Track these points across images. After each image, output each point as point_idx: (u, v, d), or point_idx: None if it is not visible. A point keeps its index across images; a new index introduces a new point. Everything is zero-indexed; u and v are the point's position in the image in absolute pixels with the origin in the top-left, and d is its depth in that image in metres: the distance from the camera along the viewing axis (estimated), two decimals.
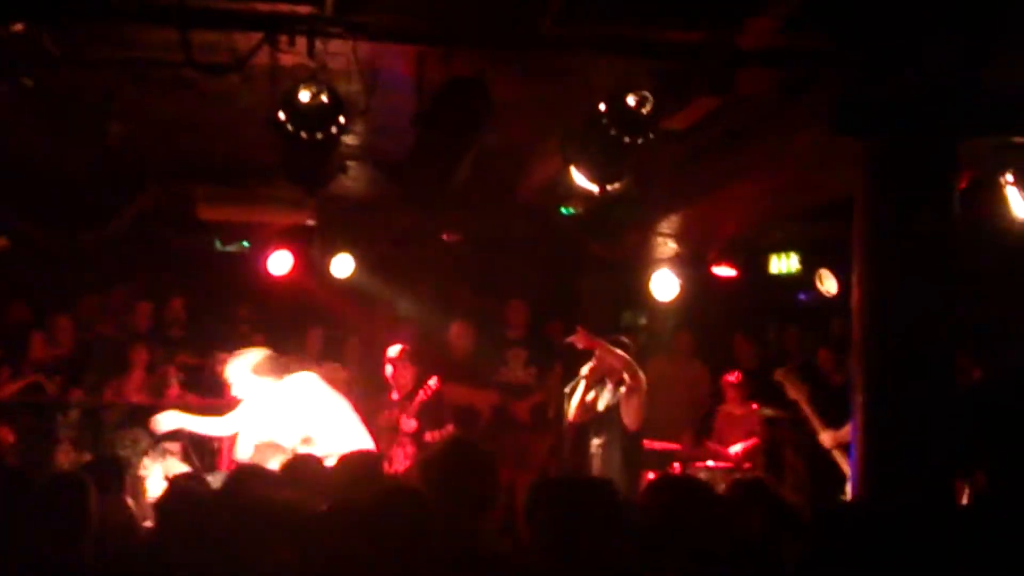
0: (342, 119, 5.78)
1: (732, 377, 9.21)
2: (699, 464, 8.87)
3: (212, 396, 9.55)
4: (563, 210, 8.69)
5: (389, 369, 8.82)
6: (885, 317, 5.95)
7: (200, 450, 9.17)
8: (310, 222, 9.18)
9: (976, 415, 6.16)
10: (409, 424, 8.54)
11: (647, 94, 5.73)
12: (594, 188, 6.15)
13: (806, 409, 8.01)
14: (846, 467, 7.11)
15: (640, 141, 5.76)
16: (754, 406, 9.08)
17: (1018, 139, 6.23)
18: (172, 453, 8.55)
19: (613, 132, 5.73)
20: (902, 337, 5.86)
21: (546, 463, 9.49)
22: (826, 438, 7.88)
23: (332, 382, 9.70)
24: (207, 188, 8.69)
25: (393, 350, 8.87)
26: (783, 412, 8.83)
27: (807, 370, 8.71)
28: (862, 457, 6.02)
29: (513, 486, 7.87)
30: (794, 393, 8.11)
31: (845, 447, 7.21)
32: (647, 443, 9.44)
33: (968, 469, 6.11)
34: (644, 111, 5.73)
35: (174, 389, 9.54)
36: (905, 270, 5.89)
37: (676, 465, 8.93)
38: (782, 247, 9.81)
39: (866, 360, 6.04)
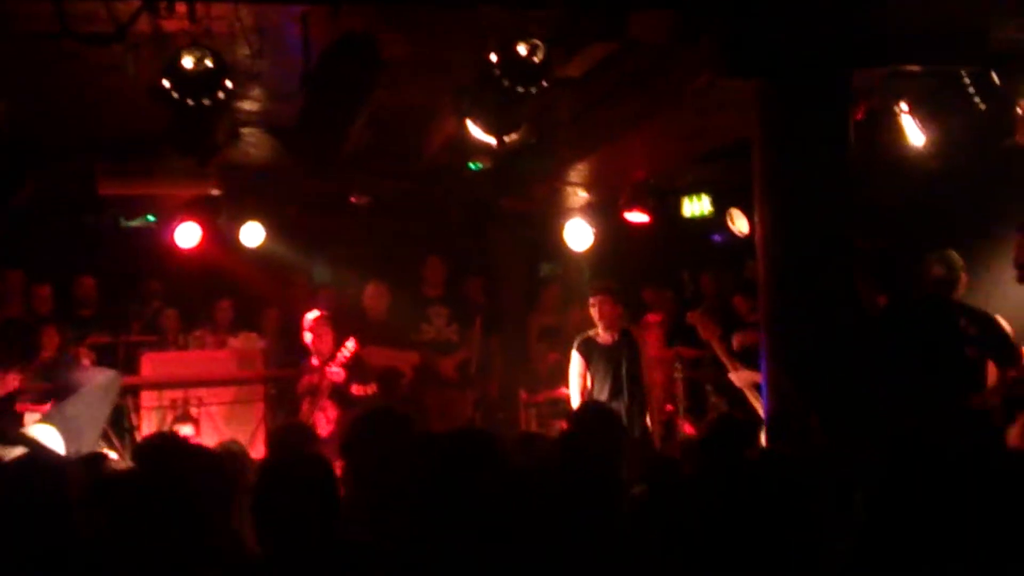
0: (229, 84, 5.66)
1: (651, 319, 9.23)
2: None
3: (126, 374, 9.44)
4: (471, 166, 8.61)
5: (308, 336, 8.73)
6: (786, 254, 6.01)
7: (119, 430, 9.05)
8: (215, 192, 8.99)
9: (882, 341, 6.29)
10: (336, 373, 8.43)
11: (538, 42, 5.67)
12: (491, 140, 6.11)
13: (717, 350, 8.08)
14: (759, 407, 7.18)
15: (534, 90, 5.72)
16: (676, 349, 9.12)
17: (910, 67, 6.28)
18: None
19: (506, 83, 5.68)
20: (804, 272, 5.93)
21: (471, 418, 9.51)
22: (735, 378, 7.96)
23: (249, 352, 9.71)
24: (105, 163, 8.48)
25: (311, 316, 8.79)
26: (703, 352, 8.91)
27: (723, 314, 8.77)
28: (772, 393, 6.11)
29: None
30: (706, 334, 8.17)
31: (757, 387, 7.30)
32: (566, 391, 9.55)
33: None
34: (536, 60, 5.68)
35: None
36: (804, 206, 5.95)
37: None
38: (694, 189, 9.83)
39: (771, 297, 6.11)
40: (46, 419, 6.57)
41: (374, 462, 3.95)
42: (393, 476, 3.80)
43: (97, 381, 6.99)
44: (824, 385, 5.75)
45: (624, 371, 7.70)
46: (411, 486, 3.58)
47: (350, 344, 8.51)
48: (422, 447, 3.84)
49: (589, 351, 7.88)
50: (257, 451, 8.12)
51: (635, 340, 7.82)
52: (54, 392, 7.30)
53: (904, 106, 6.91)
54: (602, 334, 7.83)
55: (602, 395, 7.76)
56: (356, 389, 8.55)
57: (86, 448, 5.92)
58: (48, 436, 6.01)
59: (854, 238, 6.06)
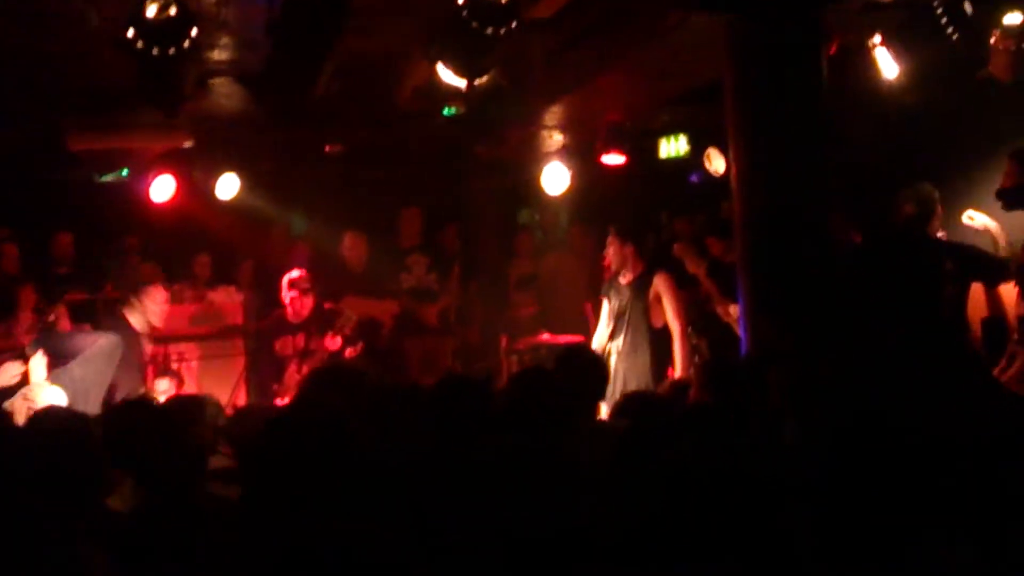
0: (194, 32, 5.58)
1: None
2: None
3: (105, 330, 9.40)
4: (444, 112, 8.53)
5: (287, 295, 8.57)
6: (761, 192, 6.00)
7: None
8: (188, 144, 8.90)
9: (857, 280, 6.30)
10: (335, 342, 8.33)
11: None
12: (461, 84, 6.04)
13: (706, 283, 7.98)
14: None
15: (503, 32, 5.65)
16: None
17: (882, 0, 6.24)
18: None
19: (474, 25, 5.61)
20: (779, 210, 5.92)
21: (451, 366, 9.52)
22: (732, 310, 7.90)
23: (229, 305, 9.68)
24: (74, 118, 8.37)
25: (292, 275, 8.59)
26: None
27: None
28: (750, 330, 6.12)
29: None
30: (693, 267, 8.08)
31: None
32: (552, 338, 9.55)
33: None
34: (504, 1, 5.62)
35: (65, 327, 9.30)
36: (778, 143, 5.93)
37: None
38: (670, 130, 9.78)
39: (747, 236, 6.11)
40: (54, 380, 6.53)
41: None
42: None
43: (100, 345, 6.96)
44: (801, 325, 5.77)
45: (631, 313, 7.67)
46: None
47: (351, 315, 8.39)
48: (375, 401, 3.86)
49: (608, 291, 7.91)
50: (239, 403, 8.16)
51: (646, 282, 7.71)
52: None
53: (877, 39, 6.87)
54: (622, 276, 7.80)
55: (606, 336, 7.78)
56: (349, 352, 8.45)
57: (91, 410, 5.89)
58: (56, 397, 5.99)
59: (827, 175, 6.04)
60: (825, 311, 5.82)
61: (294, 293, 8.42)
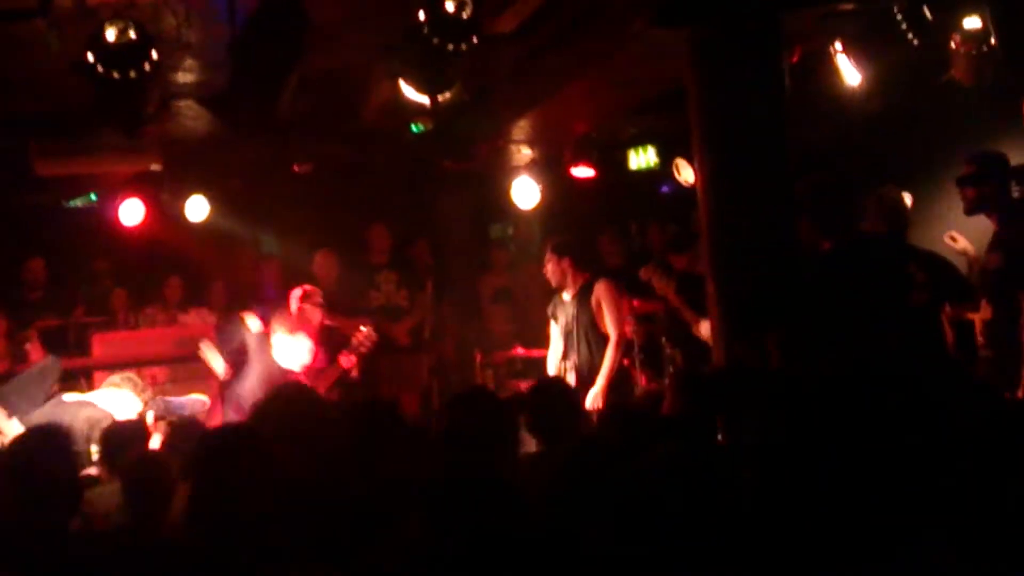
0: (155, 55, 5.57)
1: None
2: None
3: (78, 356, 9.35)
4: (412, 128, 8.54)
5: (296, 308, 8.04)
6: (727, 201, 6.01)
7: None
8: (156, 167, 8.87)
9: (828, 284, 6.29)
10: (350, 360, 8.15)
11: None
12: (425, 100, 6.05)
13: (675, 303, 8.02)
14: None
15: (464, 47, 5.66)
16: (634, 303, 9.09)
17: (842, 6, 6.28)
18: None
19: (436, 41, 5.62)
20: (744, 218, 5.93)
21: (428, 382, 9.49)
22: (703, 329, 7.91)
23: (200, 327, 9.62)
24: (40, 142, 8.33)
25: (297, 292, 8.32)
26: (657, 305, 8.92)
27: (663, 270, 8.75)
28: (721, 342, 6.12)
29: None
30: (662, 289, 8.13)
31: None
32: (522, 351, 9.55)
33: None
34: (464, 16, 5.62)
35: (37, 354, 9.24)
36: (742, 152, 5.94)
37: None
38: (639, 142, 9.81)
39: (713, 245, 6.12)
40: None
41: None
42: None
43: (35, 366, 6.98)
44: (770, 333, 5.77)
45: (576, 327, 7.64)
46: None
47: (365, 330, 8.11)
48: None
49: (555, 311, 7.88)
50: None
51: (588, 292, 7.66)
52: None
53: (839, 46, 6.91)
54: (565, 292, 7.77)
55: (559, 355, 7.75)
56: (355, 372, 8.31)
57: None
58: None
59: (794, 181, 6.06)
60: (795, 318, 5.82)
61: (307, 307, 8.16)
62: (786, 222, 5.96)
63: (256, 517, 3.00)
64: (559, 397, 5.09)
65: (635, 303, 8.88)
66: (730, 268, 6.05)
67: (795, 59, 6.69)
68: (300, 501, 3.16)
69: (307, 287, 8.24)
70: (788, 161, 6.01)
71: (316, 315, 8.01)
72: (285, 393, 4.26)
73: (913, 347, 5.95)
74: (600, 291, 7.55)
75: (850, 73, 6.95)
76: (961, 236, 6.77)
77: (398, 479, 3.21)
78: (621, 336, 7.53)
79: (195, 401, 6.86)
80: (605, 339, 7.55)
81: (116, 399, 6.33)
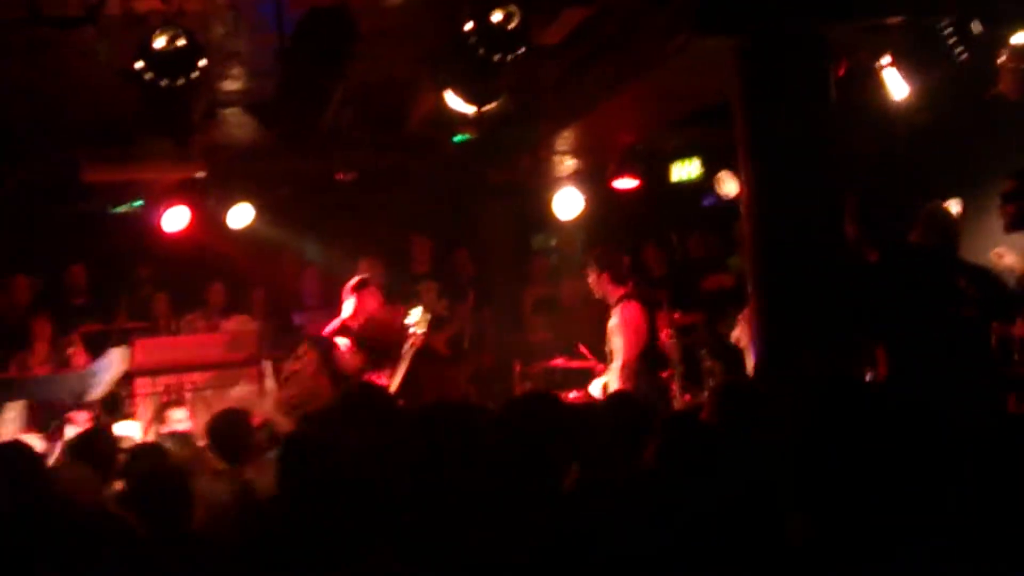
0: (203, 63, 5.62)
1: None
2: None
3: None
4: (456, 138, 8.57)
5: (350, 303, 8.09)
6: (771, 213, 5.98)
7: (114, 416, 9.06)
8: (201, 174, 8.94)
9: (875, 296, 6.23)
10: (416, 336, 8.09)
11: (513, 9, 5.62)
12: (470, 110, 6.06)
13: None
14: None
15: (510, 58, 5.67)
16: (675, 315, 9.02)
17: (890, 20, 6.22)
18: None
19: (482, 51, 5.63)
20: (789, 230, 5.90)
21: (466, 392, 9.49)
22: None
23: (242, 334, 9.68)
24: (88, 150, 8.43)
25: (351, 282, 8.25)
26: (694, 317, 8.88)
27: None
28: (762, 352, 6.08)
29: None
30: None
31: None
32: (566, 363, 9.52)
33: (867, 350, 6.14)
34: (511, 27, 5.63)
35: (80, 358, 9.35)
36: (787, 164, 5.91)
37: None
38: (683, 154, 9.79)
39: (757, 257, 6.09)
40: None
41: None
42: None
43: None
44: (815, 344, 5.72)
45: (609, 342, 7.54)
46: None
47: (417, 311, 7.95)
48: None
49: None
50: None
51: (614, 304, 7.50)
52: None
53: (886, 59, 6.85)
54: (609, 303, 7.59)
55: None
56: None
57: None
58: None
59: (840, 194, 6.01)
60: (841, 330, 5.78)
61: (364, 293, 8.15)
62: (832, 233, 5.92)
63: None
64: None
65: (675, 315, 8.84)
66: (774, 279, 6.01)
67: (842, 72, 6.64)
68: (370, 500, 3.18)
69: (363, 275, 8.25)
70: (834, 173, 5.97)
71: (373, 302, 8.05)
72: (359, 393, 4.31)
73: (962, 361, 5.88)
74: (617, 313, 7.35)
75: (897, 86, 6.89)
76: (1008, 251, 6.68)
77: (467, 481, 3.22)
78: (626, 364, 7.23)
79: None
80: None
81: None
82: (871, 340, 5.97)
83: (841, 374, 5.47)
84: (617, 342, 7.26)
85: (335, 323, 7.97)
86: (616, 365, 7.24)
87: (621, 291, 7.52)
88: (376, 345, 8.05)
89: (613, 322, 7.33)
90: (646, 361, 7.34)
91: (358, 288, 8.08)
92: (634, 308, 7.34)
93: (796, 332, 5.85)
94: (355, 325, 7.97)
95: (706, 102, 7.57)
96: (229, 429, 5.28)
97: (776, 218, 5.99)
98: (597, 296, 7.70)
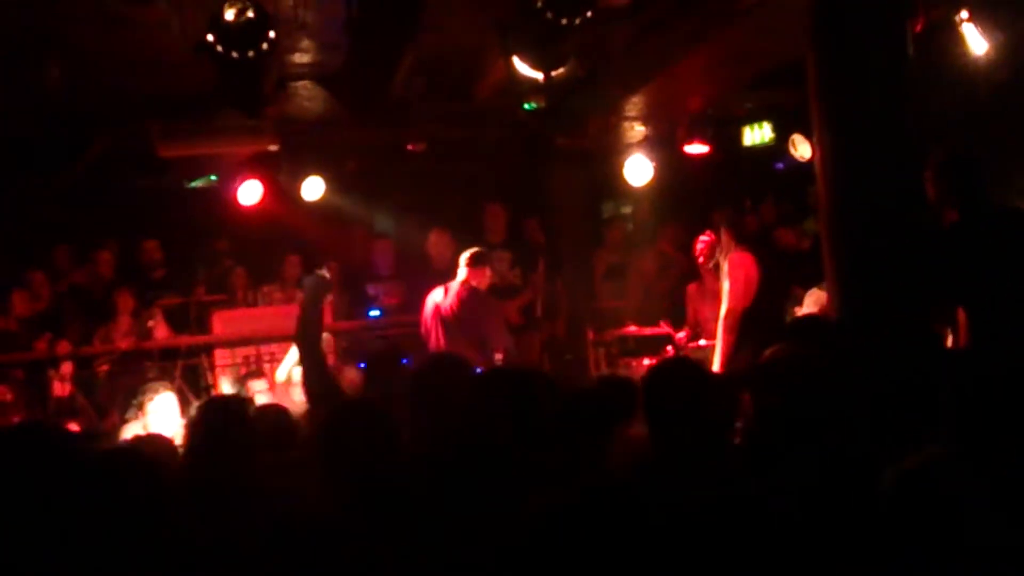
0: (272, 35, 5.66)
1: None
2: (691, 344, 8.82)
3: (200, 334, 9.60)
4: (525, 106, 8.52)
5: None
6: (847, 174, 5.86)
7: (196, 389, 9.23)
8: (273, 147, 9.02)
9: (955, 256, 6.09)
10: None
11: None
12: (538, 75, 6.02)
13: None
14: None
15: (578, 21, 5.62)
16: None
17: None
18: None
19: (550, 15, 5.59)
20: (865, 191, 5.77)
21: (540, 360, 9.50)
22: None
23: None
24: (162, 124, 8.54)
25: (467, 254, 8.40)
26: None
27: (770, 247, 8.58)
28: (840, 317, 5.98)
29: None
30: None
31: None
32: (639, 330, 9.50)
33: (947, 313, 6.03)
34: None
35: (161, 331, 9.53)
36: (863, 124, 5.77)
37: (669, 348, 8.93)
38: (754, 118, 9.64)
39: (832, 220, 5.97)
40: None
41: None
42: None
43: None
44: (894, 310, 5.61)
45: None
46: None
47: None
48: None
49: None
50: None
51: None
52: None
53: (964, 15, 6.67)
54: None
55: None
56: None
57: None
58: None
59: (918, 154, 5.87)
60: (919, 293, 5.66)
61: (477, 268, 8.26)
62: (910, 195, 5.79)
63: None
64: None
65: None
66: (851, 243, 5.89)
67: (919, 28, 6.47)
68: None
69: (477, 248, 8.37)
70: (912, 133, 5.82)
71: (486, 275, 8.22)
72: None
73: None
74: (729, 261, 7.36)
75: (976, 41, 6.71)
76: None
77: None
78: (732, 312, 7.23)
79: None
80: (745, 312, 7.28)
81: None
82: (952, 304, 5.86)
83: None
84: (725, 286, 7.24)
85: None
86: (721, 316, 7.22)
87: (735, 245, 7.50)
88: None
89: (724, 269, 7.34)
90: (751, 315, 7.23)
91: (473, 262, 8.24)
92: (747, 258, 7.33)
93: (876, 297, 5.73)
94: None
95: (778, 63, 7.45)
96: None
97: (852, 180, 5.86)
98: (700, 260, 7.62)
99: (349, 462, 3.27)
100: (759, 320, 7.24)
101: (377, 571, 2.59)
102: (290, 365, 7.66)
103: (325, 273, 6.69)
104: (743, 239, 7.55)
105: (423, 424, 3.83)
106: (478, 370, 7.47)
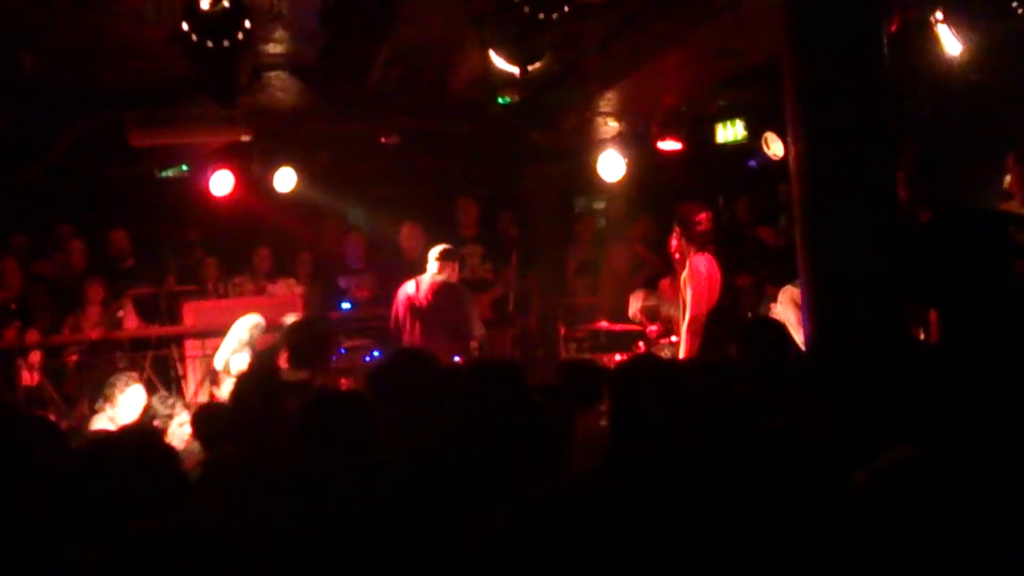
0: (247, 24, 5.63)
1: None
2: (663, 340, 8.84)
3: (170, 324, 9.53)
4: (499, 100, 8.51)
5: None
6: (821, 172, 5.88)
7: (165, 380, 9.16)
8: (246, 138, 8.96)
9: (927, 255, 6.14)
10: None
11: None
12: (515, 70, 6.01)
13: None
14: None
15: (555, 16, 5.61)
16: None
17: None
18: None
19: (527, 9, 5.58)
20: (839, 190, 5.80)
21: (512, 354, 9.50)
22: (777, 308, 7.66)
23: (288, 298, 9.75)
24: (134, 113, 8.47)
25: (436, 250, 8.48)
26: (742, 280, 8.84)
27: (751, 244, 8.58)
28: (812, 316, 6.01)
29: None
30: None
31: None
32: (610, 325, 9.50)
33: (920, 314, 6.08)
34: None
35: (131, 321, 9.46)
36: (838, 123, 5.80)
37: (640, 345, 8.94)
38: (727, 115, 9.67)
39: (806, 218, 5.99)
40: None
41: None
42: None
43: None
44: (865, 307, 5.64)
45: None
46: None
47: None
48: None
49: None
50: None
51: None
52: None
53: (939, 15, 6.71)
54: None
55: None
56: None
57: None
58: None
59: (892, 153, 5.90)
60: (892, 293, 5.69)
61: (446, 263, 8.36)
62: (883, 194, 5.82)
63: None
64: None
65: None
66: (824, 242, 5.92)
67: (894, 27, 6.51)
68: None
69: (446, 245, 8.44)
70: (887, 132, 5.86)
71: (455, 271, 8.38)
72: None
73: (1018, 323, 5.79)
74: (690, 264, 7.19)
75: (951, 43, 6.75)
76: None
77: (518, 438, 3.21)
78: (695, 319, 7.08)
79: None
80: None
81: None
82: (924, 303, 5.91)
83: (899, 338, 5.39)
84: (688, 294, 7.12)
85: None
86: (685, 318, 7.11)
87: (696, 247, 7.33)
88: None
89: (685, 274, 7.21)
90: (716, 318, 7.13)
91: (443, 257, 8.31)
92: (705, 260, 7.18)
93: (848, 296, 5.76)
94: None
95: (754, 61, 7.47)
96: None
97: (826, 178, 5.88)
98: (676, 256, 7.52)
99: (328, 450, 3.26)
100: (722, 321, 7.16)
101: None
102: (228, 354, 7.56)
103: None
104: (699, 240, 7.32)
105: (393, 418, 3.82)
106: (456, 359, 7.54)
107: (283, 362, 7.30)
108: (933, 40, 6.81)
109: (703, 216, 7.33)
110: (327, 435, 3.30)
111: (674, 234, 7.44)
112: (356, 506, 3.05)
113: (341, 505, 3.07)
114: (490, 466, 3.09)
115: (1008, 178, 6.35)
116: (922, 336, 6.05)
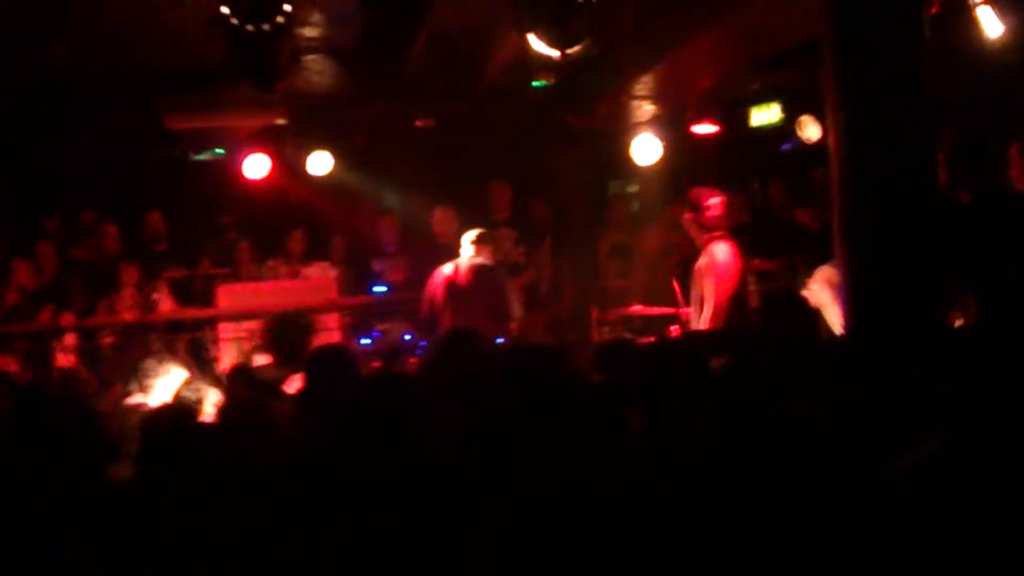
0: (287, 7, 5.64)
1: None
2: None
3: (204, 307, 9.60)
4: (534, 84, 8.50)
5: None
6: (861, 156, 5.84)
7: (199, 362, 9.22)
8: (281, 121, 8.99)
9: (966, 240, 6.09)
10: None
11: None
12: (554, 53, 5.97)
13: None
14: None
15: None
16: (754, 262, 8.85)
17: None
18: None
19: None
20: (879, 174, 5.76)
21: (544, 338, 9.49)
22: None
23: (323, 281, 9.80)
24: (171, 97, 8.51)
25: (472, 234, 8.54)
26: (774, 263, 8.81)
27: (787, 227, 8.49)
28: (851, 301, 5.97)
29: None
30: None
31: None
32: (644, 309, 9.47)
33: (960, 296, 6.03)
34: None
35: (165, 304, 9.53)
36: (877, 105, 5.74)
37: (675, 328, 8.92)
38: (762, 98, 9.62)
39: (844, 203, 5.95)
40: None
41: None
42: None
43: None
44: (905, 292, 5.61)
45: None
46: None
47: None
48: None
49: None
50: None
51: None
52: None
53: None
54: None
55: None
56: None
57: None
58: None
59: (932, 136, 5.85)
60: (930, 277, 5.65)
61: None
62: (924, 178, 5.78)
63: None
64: None
65: (755, 262, 8.70)
66: (863, 225, 5.88)
67: (935, 9, 6.45)
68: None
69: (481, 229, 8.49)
70: (926, 115, 5.81)
71: (490, 255, 8.41)
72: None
73: None
74: (708, 253, 6.87)
75: (992, 25, 6.68)
76: None
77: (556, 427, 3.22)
78: (718, 306, 6.73)
79: None
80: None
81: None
82: (962, 287, 5.87)
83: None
84: (708, 284, 6.84)
85: None
86: (707, 308, 6.82)
87: (711, 233, 7.01)
88: None
89: (702, 262, 6.91)
90: (738, 304, 6.86)
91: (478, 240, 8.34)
92: (726, 248, 6.91)
93: (886, 279, 5.73)
94: None
95: (790, 42, 7.44)
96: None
97: (865, 162, 5.85)
98: (691, 238, 7.32)
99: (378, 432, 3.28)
100: (744, 303, 6.98)
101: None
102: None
103: None
104: (712, 225, 6.96)
105: (448, 398, 3.84)
106: (498, 340, 7.54)
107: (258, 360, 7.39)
108: (973, 22, 6.75)
109: (715, 201, 6.98)
110: (378, 419, 3.31)
111: (685, 220, 7.15)
112: (399, 490, 3.08)
113: (386, 488, 3.10)
114: (535, 454, 3.11)
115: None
116: (961, 322, 6.00)
